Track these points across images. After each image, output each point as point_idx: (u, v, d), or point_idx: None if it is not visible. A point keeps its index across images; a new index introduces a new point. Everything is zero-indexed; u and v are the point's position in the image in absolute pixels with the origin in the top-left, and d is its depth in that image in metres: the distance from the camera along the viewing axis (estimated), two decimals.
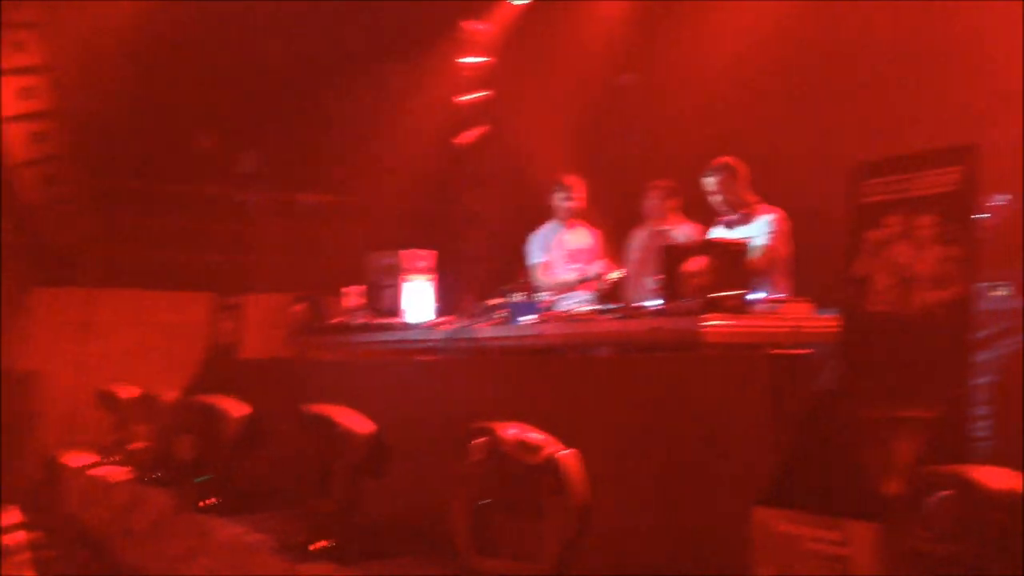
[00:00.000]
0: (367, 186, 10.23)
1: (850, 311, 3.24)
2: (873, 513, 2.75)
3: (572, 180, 6.61)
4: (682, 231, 6.24)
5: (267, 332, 7.30)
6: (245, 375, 6.39)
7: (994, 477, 2.20)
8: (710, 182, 5.64)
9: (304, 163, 10.35)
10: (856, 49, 7.07)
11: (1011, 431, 3.30)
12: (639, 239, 6.49)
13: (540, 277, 6.37)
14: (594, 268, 6.30)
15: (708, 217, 5.92)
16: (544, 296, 5.51)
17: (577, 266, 6.40)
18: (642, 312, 4.44)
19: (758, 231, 5.44)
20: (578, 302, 5.59)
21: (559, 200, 6.58)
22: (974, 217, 3.05)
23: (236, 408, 5.18)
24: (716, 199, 5.64)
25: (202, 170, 10.05)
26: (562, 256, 6.50)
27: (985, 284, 4.56)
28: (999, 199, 4.89)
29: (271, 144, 10.30)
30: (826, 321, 4.02)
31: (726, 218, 5.66)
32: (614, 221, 7.30)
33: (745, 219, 5.57)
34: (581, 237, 6.60)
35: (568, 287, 6.22)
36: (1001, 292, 4.64)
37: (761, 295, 4.37)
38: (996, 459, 2.66)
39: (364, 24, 10.23)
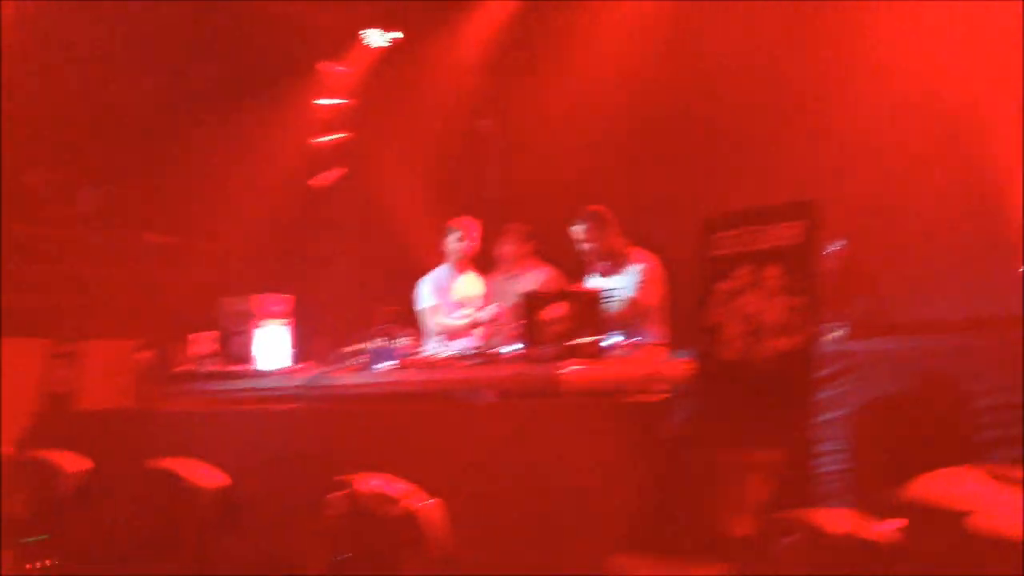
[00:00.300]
0: (219, 228, 9.97)
1: (703, 358, 3.35)
2: (726, 556, 2.82)
3: (465, 222, 6.52)
4: (537, 276, 6.28)
5: (108, 381, 6.96)
6: (84, 427, 6.07)
7: (836, 521, 2.29)
8: (579, 230, 5.65)
9: (150, 202, 9.99)
10: (711, 100, 7.34)
11: (857, 468, 3.45)
12: (495, 284, 6.50)
13: (429, 322, 6.27)
14: (485, 312, 6.19)
15: (572, 262, 5.97)
16: (403, 342, 5.45)
17: (468, 311, 6.30)
18: (501, 358, 4.46)
19: (628, 280, 5.50)
20: (437, 349, 5.56)
21: (451, 243, 6.46)
22: (816, 268, 3.21)
23: (72, 463, 4.92)
24: (585, 247, 5.66)
25: (35, 207, 9.59)
26: (452, 301, 6.39)
27: (823, 326, 4.78)
28: (834, 245, 5.15)
29: (114, 182, 9.92)
30: (680, 365, 4.13)
31: (598, 266, 5.69)
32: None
33: (616, 267, 5.61)
34: (472, 282, 6.51)
35: (458, 332, 6.12)
36: (837, 334, 4.88)
37: (617, 340, 4.45)
38: (844, 496, 2.78)
39: (216, 61, 10.03)
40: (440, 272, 6.54)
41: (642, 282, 5.51)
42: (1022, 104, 5.16)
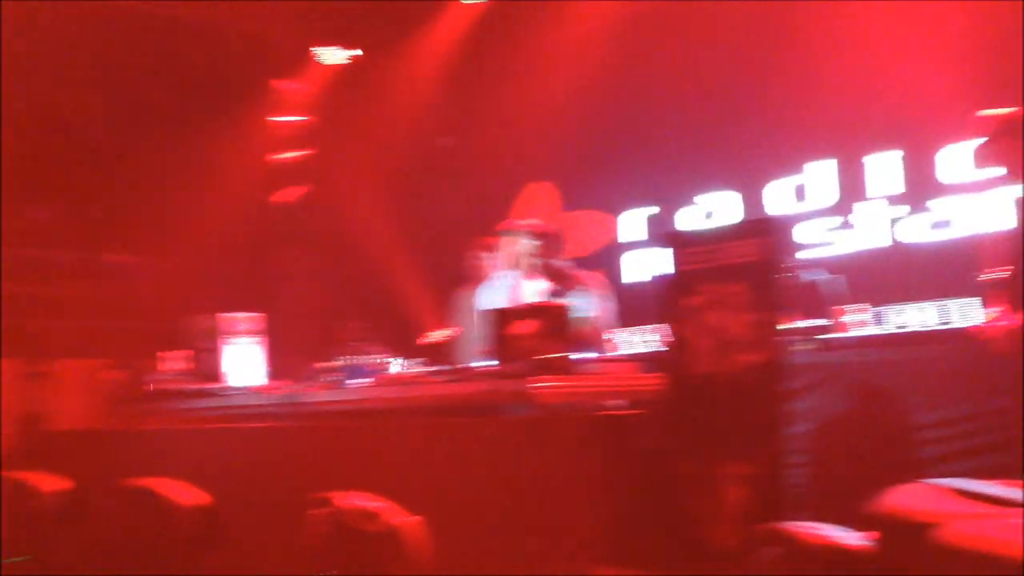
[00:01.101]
0: (185, 246, 9.96)
1: (672, 372, 3.48)
2: (700, 568, 2.94)
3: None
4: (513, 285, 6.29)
5: (80, 400, 6.97)
6: (59, 447, 6.08)
7: (814, 532, 2.41)
8: (531, 246, 5.79)
9: (116, 222, 9.97)
10: (673, 104, 7.50)
11: (827, 479, 3.59)
12: (463, 299, 6.57)
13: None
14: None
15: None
16: (375, 358, 5.53)
17: None
18: (473, 373, 4.55)
19: (581, 300, 5.63)
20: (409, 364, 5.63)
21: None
22: (778, 284, 3.35)
23: (49, 483, 4.93)
24: (533, 263, 5.79)
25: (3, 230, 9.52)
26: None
27: (790, 340, 4.93)
28: (794, 260, 5.33)
29: (79, 202, 9.88)
30: (651, 380, 4.26)
31: (551, 286, 5.79)
32: (437, 281, 7.42)
33: (567, 286, 5.73)
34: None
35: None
36: (807, 347, 5.04)
37: (588, 355, 4.57)
38: (816, 507, 2.91)
39: (172, 79, 10.04)
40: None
41: (598, 302, 5.65)
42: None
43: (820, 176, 6.79)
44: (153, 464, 4.65)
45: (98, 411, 6.18)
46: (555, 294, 5.75)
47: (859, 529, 2.26)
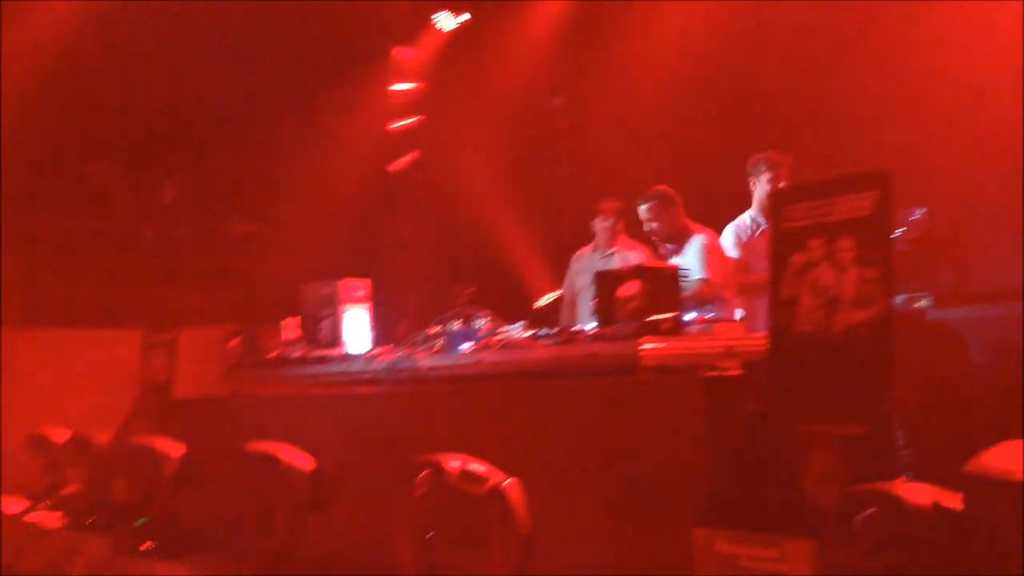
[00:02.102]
0: (298, 215, 10.19)
1: (778, 332, 3.35)
2: (807, 530, 2.84)
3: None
4: (630, 255, 6.18)
5: (201, 368, 7.20)
6: (179, 413, 6.31)
7: (919, 493, 2.30)
8: (644, 210, 5.68)
9: (233, 193, 10.27)
10: (784, 71, 7.25)
11: (933, 439, 3.45)
12: (585, 262, 6.48)
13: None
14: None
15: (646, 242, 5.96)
16: (481, 323, 5.53)
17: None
18: (579, 337, 4.50)
19: (691, 259, 5.51)
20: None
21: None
22: (890, 239, 3.18)
23: (173, 448, 5.12)
24: (651, 227, 5.68)
25: (125, 204, 9.92)
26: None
27: (906, 296, 4.72)
28: (917, 213, 5.07)
29: (199, 175, 10.21)
30: (756, 340, 4.14)
31: (662, 248, 5.71)
32: (548, 245, 7.38)
33: (681, 247, 5.63)
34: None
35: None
36: (923, 303, 4.82)
37: (693, 316, 4.46)
38: (921, 468, 2.78)
39: (290, 51, 10.22)
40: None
41: (707, 260, 5.50)
42: None
43: None
44: (267, 429, 4.76)
45: (217, 378, 6.37)
46: (669, 254, 5.65)
47: (960, 490, 2.16)
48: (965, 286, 4.94)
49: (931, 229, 5.03)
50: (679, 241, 5.65)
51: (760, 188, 5.63)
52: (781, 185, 5.46)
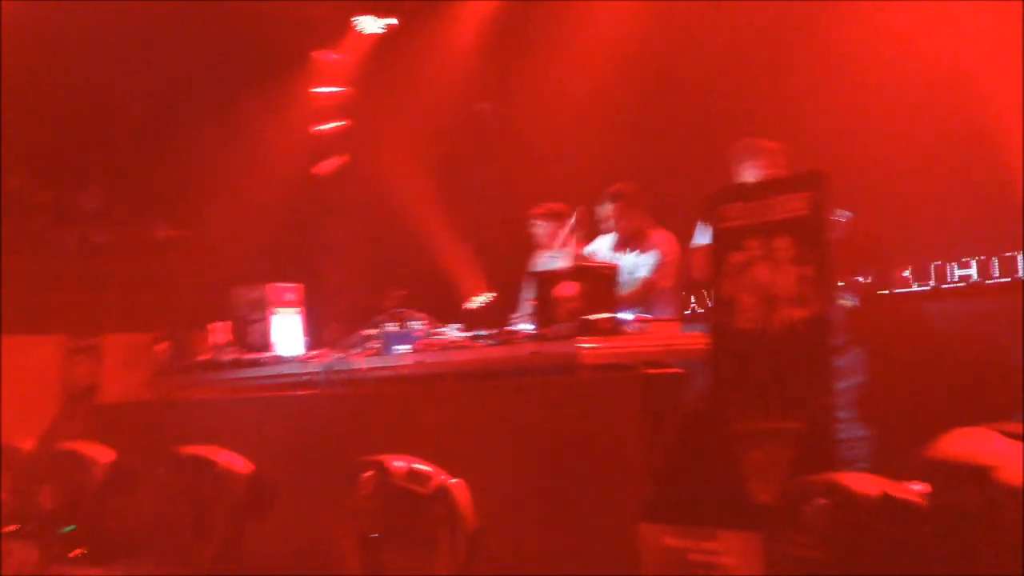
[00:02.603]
0: (224, 219, 10.03)
1: (718, 329, 3.43)
2: (750, 523, 2.91)
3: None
4: (657, 247, 6.07)
5: (127, 373, 7.06)
6: (106, 419, 6.18)
7: (864, 483, 2.38)
8: (606, 209, 5.62)
9: (157, 197, 10.07)
10: (715, 72, 7.33)
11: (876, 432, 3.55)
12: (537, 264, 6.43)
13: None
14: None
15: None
16: (415, 325, 5.52)
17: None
18: (516, 337, 4.53)
19: (647, 260, 5.50)
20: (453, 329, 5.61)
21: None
22: (826, 238, 3.28)
23: (101, 454, 5.01)
24: (609, 225, 5.64)
25: (47, 208, 9.67)
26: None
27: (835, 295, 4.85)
28: (840, 216, 5.21)
29: (121, 178, 9.99)
30: (692, 339, 4.22)
31: (623, 244, 5.67)
32: (479, 246, 7.39)
33: (638, 246, 5.59)
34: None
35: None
36: (846, 302, 4.96)
37: (630, 316, 4.51)
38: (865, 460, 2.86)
39: (212, 54, 10.06)
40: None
41: (661, 264, 5.49)
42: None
43: None
44: (199, 434, 4.70)
45: (146, 383, 6.26)
46: (623, 251, 5.61)
47: (912, 478, 2.23)
48: (887, 286, 5.10)
49: (854, 231, 5.17)
50: (637, 241, 5.60)
51: (748, 177, 5.16)
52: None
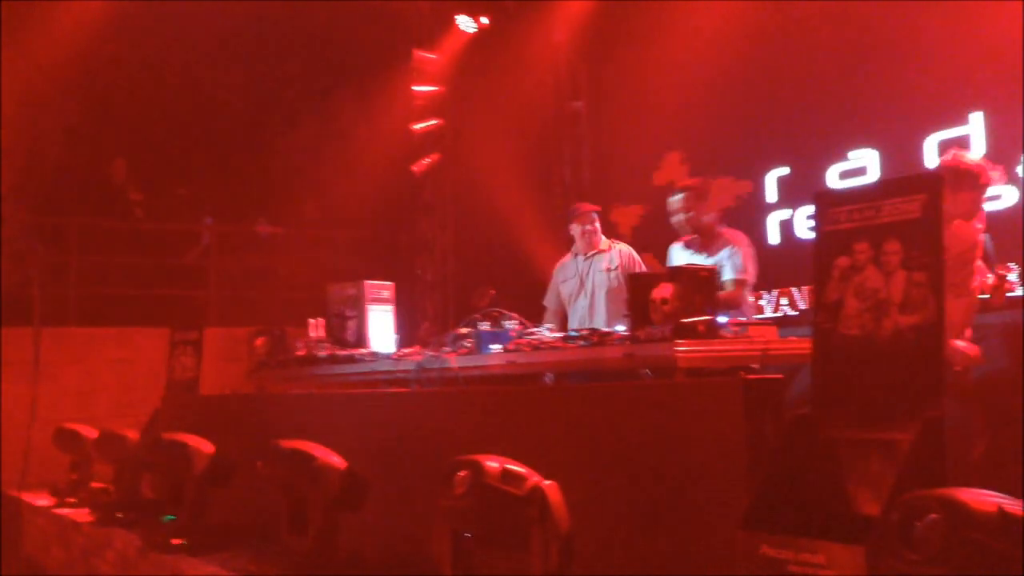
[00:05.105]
0: (322, 216, 10.21)
1: (823, 335, 3.32)
2: (854, 536, 2.81)
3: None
4: (614, 254, 6.22)
5: (226, 367, 7.22)
6: (206, 411, 6.32)
7: (979, 499, 2.27)
8: (675, 201, 5.66)
9: (258, 195, 10.30)
10: (805, 71, 7.21)
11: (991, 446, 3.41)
12: (569, 269, 6.42)
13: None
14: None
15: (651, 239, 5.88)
16: (509, 324, 5.51)
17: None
18: (611, 339, 4.48)
19: (724, 259, 5.50)
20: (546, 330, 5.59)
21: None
22: (940, 243, 3.15)
23: (203, 445, 5.12)
24: (679, 219, 5.66)
25: (152, 205, 9.95)
26: None
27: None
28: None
29: (224, 176, 10.24)
30: (791, 343, 4.12)
31: (687, 239, 5.71)
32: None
33: (707, 244, 5.62)
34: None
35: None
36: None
37: (727, 319, 4.43)
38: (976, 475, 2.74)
39: (312, 53, 10.24)
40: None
41: (743, 261, 5.49)
42: None
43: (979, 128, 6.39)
44: (295, 427, 4.76)
45: (243, 377, 6.38)
46: (694, 248, 5.60)
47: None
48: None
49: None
50: (706, 237, 5.64)
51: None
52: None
